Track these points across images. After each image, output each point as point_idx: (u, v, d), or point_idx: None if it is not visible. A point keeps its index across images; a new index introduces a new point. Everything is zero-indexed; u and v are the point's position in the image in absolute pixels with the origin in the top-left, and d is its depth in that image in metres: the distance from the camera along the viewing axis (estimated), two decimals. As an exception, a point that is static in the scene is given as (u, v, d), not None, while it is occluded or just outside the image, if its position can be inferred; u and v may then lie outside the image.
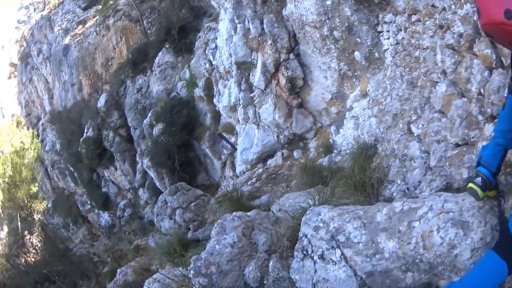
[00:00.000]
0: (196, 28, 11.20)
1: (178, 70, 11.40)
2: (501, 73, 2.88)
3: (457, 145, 3.25)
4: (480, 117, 3.05)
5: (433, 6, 4.07)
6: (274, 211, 4.25)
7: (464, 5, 3.43)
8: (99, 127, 13.86)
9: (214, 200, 5.73)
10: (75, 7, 20.85)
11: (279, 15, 6.24)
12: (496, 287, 2.11)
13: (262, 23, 6.53)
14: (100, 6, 18.63)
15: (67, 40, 19.15)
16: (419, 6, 4.32)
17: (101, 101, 13.39)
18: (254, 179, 6.86)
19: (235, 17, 7.04)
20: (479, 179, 2.24)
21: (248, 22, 6.80)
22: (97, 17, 18.46)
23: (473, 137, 3.04)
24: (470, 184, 2.29)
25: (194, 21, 11.39)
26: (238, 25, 7.03)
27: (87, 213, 15.64)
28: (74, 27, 19.67)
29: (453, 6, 3.63)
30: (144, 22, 14.63)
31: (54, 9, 22.46)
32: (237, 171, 8.16)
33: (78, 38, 18.57)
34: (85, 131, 14.50)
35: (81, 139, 14.34)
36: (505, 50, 2.80)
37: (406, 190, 3.63)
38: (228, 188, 6.78)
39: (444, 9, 3.81)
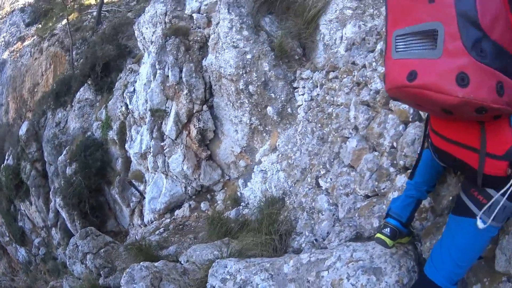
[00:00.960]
0: (119, 68, 10.78)
1: (96, 109, 10.82)
2: (417, 126, 2.94)
3: (366, 196, 3.26)
4: (391, 169, 3.11)
5: (353, 63, 4.16)
6: (182, 262, 4.20)
7: None
8: (18, 156, 12.74)
9: (123, 248, 5.58)
10: (20, 20, 19.20)
11: (199, 65, 6.08)
12: None
13: (181, 71, 6.32)
14: (40, 25, 17.40)
15: (5, 54, 17.74)
16: (339, 64, 4.42)
17: (23, 129, 12.36)
18: (162, 229, 6.56)
19: (157, 63, 6.82)
20: (387, 230, 2.23)
21: (168, 69, 6.57)
22: (35, 37, 17.16)
23: (383, 188, 3.08)
24: (378, 235, 2.27)
25: (118, 60, 10.96)
26: (158, 71, 6.79)
27: (6, 245, 14.16)
28: (14, 42, 18.25)
29: (374, 64, 3.72)
30: (74, 52, 13.87)
31: (5, 16, 20.62)
32: (145, 220, 7.74)
33: (15, 56, 17.25)
34: (6, 158, 13.33)
35: (2, 165, 13.15)
36: None
37: (314, 241, 3.60)
38: (136, 237, 6.71)
39: (364, 66, 3.90)
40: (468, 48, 1.31)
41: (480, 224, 1.66)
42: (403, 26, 1.51)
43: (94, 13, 15.70)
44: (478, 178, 1.64)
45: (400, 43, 1.51)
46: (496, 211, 1.63)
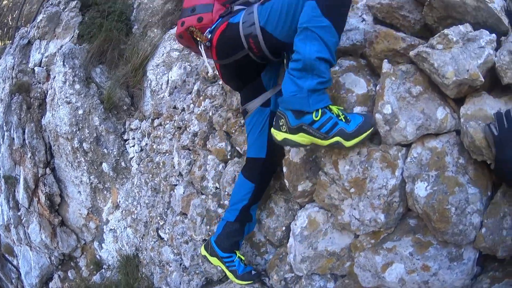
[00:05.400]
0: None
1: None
2: (236, 163, 3.20)
3: (204, 241, 3.42)
4: (219, 210, 3.32)
5: (174, 107, 4.37)
6: None
7: (203, 102, 3.72)
8: None
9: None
10: None
11: (39, 125, 5.94)
12: None
13: (24, 132, 6.14)
14: None
15: None
16: (162, 110, 4.57)
17: None
18: None
19: (4, 124, 6.59)
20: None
21: (13, 130, 6.35)
22: None
23: None
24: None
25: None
26: (6, 133, 6.58)
27: None
28: None
29: (191, 105, 3.94)
30: None
31: None
32: None
33: None
34: None
35: None
36: (240, 139, 3.12)
37: None
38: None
39: (183, 109, 4.11)
40: None
41: None
42: None
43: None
44: None
45: None
46: None
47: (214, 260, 2.71)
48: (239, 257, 2.69)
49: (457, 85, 1.84)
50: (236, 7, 2.42)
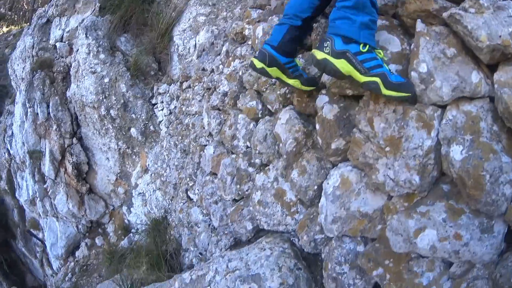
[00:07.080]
0: (0, 111, 10.31)
1: (-19, 161, 10.19)
2: (267, 121, 3.08)
3: (234, 201, 3.35)
4: (250, 169, 3.20)
5: (203, 69, 4.30)
6: (94, 305, 4.10)
7: (232, 62, 3.64)
8: None
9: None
10: None
11: (64, 97, 5.97)
12: None
13: (48, 106, 6.17)
14: None
15: None
16: (191, 72, 4.53)
17: None
18: (69, 275, 6.42)
19: (27, 100, 6.64)
20: (257, 53, 2.40)
21: (37, 106, 6.38)
22: None
23: (247, 190, 3.17)
24: (251, 58, 2.41)
25: (-3, 102, 10.47)
26: (29, 110, 6.61)
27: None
28: None
29: (221, 66, 3.87)
30: None
31: None
32: (54, 268, 7.44)
33: None
34: None
35: None
36: (271, 97, 3.01)
37: (200, 255, 3.72)
38: (52, 288, 6.44)
39: (212, 70, 4.04)
40: None
41: None
42: None
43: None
44: None
45: None
46: None
47: (273, 71, 2.40)
48: (299, 63, 2.51)
49: (491, 50, 1.80)
50: None
